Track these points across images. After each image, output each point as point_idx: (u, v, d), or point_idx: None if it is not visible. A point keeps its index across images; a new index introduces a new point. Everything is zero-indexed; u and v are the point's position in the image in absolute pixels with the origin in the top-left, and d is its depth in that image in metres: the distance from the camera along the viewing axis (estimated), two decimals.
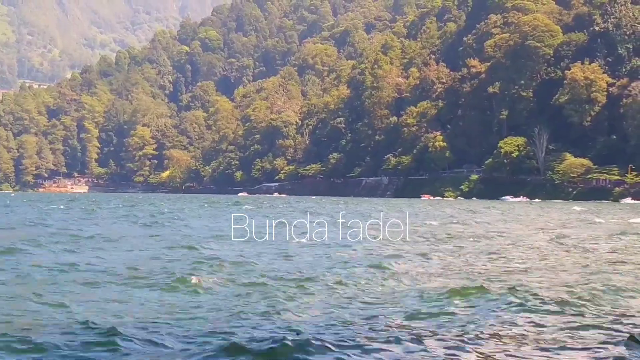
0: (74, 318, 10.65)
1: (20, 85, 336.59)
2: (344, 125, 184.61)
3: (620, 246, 25.12)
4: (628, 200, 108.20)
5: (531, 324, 10.60)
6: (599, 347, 9.18)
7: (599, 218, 47.69)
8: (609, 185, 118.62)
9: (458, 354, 8.83)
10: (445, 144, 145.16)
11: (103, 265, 16.98)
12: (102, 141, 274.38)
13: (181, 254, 20.29)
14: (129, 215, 47.81)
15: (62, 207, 64.16)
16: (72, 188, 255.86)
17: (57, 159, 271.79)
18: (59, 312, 11.30)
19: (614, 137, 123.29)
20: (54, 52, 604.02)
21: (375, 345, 9.18)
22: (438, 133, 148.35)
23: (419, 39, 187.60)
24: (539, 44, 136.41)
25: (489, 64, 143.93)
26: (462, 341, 9.46)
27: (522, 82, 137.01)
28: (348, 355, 8.64)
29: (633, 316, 11.29)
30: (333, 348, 8.85)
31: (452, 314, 11.38)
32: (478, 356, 8.80)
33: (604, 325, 10.58)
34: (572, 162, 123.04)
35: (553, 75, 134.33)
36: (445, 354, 8.82)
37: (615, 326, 10.49)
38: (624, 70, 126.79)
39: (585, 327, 10.40)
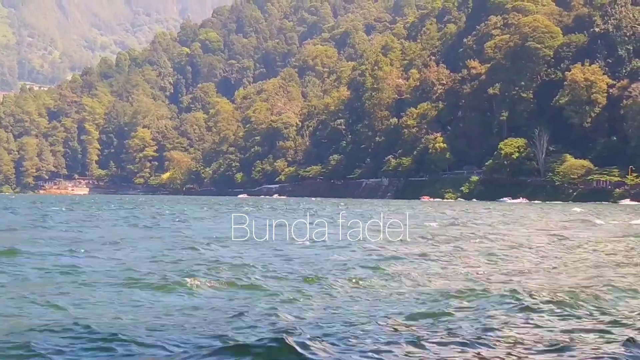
0: (73, 320, 10.63)
1: (20, 87, 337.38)
2: (344, 127, 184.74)
3: (620, 248, 25.09)
4: (627, 201, 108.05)
5: (531, 326, 10.60)
6: (598, 348, 9.19)
7: (599, 219, 47.65)
8: (610, 187, 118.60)
9: (458, 356, 8.83)
10: (445, 145, 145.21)
11: (103, 267, 16.97)
12: (102, 143, 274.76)
13: (181, 255, 20.28)
14: (129, 217, 47.81)
15: (63, 209, 64.19)
16: (72, 190, 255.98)
17: (58, 160, 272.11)
18: (58, 314, 11.29)
19: (614, 138, 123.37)
20: (54, 54, 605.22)
21: (375, 346, 9.18)
22: (438, 134, 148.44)
23: (419, 40, 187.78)
24: (539, 45, 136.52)
25: (489, 65, 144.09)
26: (462, 343, 9.46)
27: (523, 83, 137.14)
28: (348, 355, 8.64)
29: (633, 317, 11.29)
30: (333, 348, 8.85)
31: (452, 315, 11.37)
32: (478, 358, 8.80)
33: (604, 326, 10.59)
34: (573, 164, 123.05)
35: (553, 76, 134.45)
36: (445, 356, 8.82)
37: (614, 328, 10.50)
38: (624, 71, 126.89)
39: (585, 329, 10.41)
